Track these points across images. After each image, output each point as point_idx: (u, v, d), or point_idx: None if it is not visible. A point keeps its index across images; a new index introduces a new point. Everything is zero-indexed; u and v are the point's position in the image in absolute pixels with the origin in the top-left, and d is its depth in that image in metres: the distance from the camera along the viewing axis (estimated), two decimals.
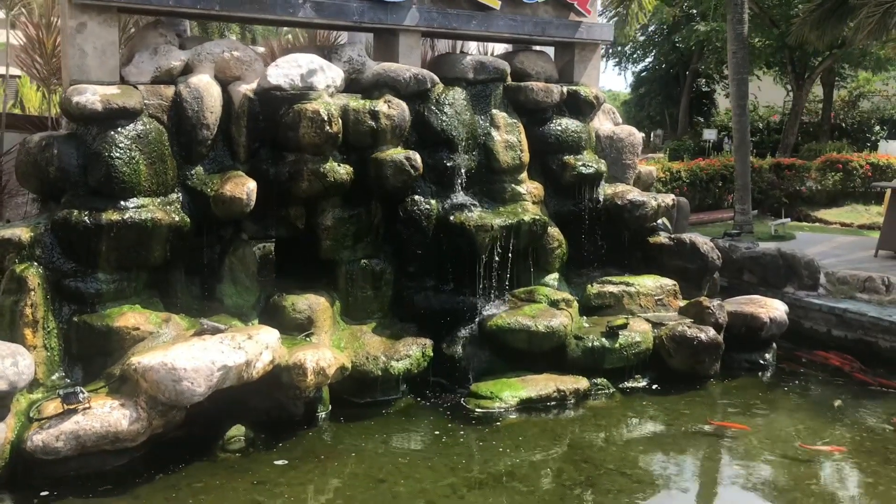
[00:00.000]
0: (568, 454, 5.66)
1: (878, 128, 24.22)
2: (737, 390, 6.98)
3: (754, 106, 25.38)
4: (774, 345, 7.65)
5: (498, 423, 6.08)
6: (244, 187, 5.96)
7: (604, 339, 6.75)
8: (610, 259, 7.91)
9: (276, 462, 5.35)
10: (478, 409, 6.24)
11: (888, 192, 11.15)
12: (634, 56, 30.04)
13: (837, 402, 6.60)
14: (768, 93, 25.45)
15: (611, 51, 28.95)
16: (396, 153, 6.59)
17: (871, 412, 6.47)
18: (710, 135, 22.82)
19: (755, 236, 12.23)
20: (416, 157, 6.62)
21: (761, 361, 7.41)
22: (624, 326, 6.82)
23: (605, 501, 4.97)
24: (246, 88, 6.30)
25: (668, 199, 7.76)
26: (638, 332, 6.92)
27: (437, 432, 5.95)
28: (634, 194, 7.59)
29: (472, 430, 5.96)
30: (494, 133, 7.26)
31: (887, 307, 7.97)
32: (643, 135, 38.81)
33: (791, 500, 5.07)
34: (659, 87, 29.94)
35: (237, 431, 5.53)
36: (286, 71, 6.34)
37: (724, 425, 6.13)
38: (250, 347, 5.31)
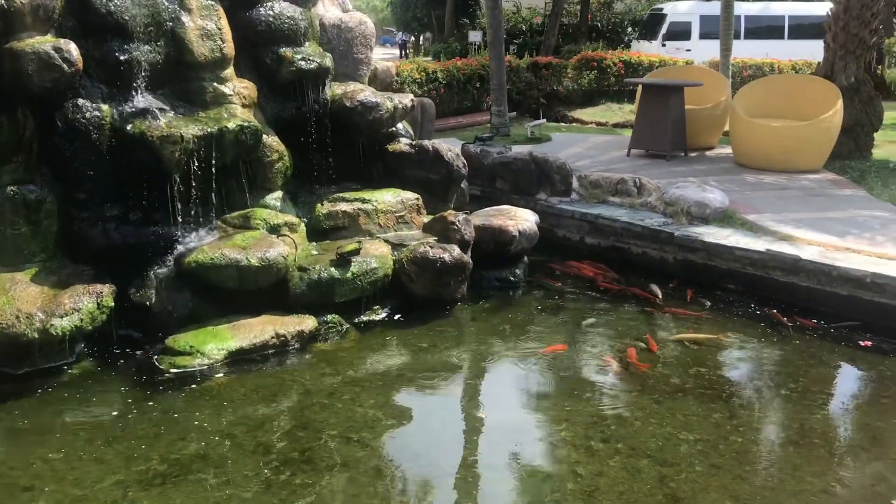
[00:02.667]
0: (283, 420, 4.57)
1: (630, 28, 24.75)
2: (486, 313, 6.23)
3: (518, 8, 25.05)
4: (526, 258, 6.96)
5: (196, 386, 4.86)
6: None
7: (333, 269, 5.67)
8: (347, 172, 6.78)
9: None
10: (172, 370, 4.98)
11: (639, 88, 10.85)
12: None
13: (589, 321, 6.05)
14: None
15: None
16: (41, 42, 4.94)
17: (617, 326, 5.95)
18: (475, 36, 22.15)
19: (512, 139, 11.66)
20: (72, 48, 5.03)
21: (512, 279, 6.69)
22: (356, 252, 5.76)
23: (321, 483, 3.95)
24: None
25: (408, 99, 6.69)
26: (374, 256, 5.90)
27: (115, 407, 4.65)
28: (366, 94, 6.44)
29: (162, 399, 4.70)
30: (185, 17, 5.74)
31: (639, 210, 7.54)
32: (413, 37, 37.80)
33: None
34: None
35: None
36: None
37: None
38: None
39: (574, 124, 15.19)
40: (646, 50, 21.34)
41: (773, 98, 9.99)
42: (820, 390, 4.97)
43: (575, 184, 8.09)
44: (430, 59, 21.69)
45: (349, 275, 5.67)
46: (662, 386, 4.96)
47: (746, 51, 19.07)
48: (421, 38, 40.07)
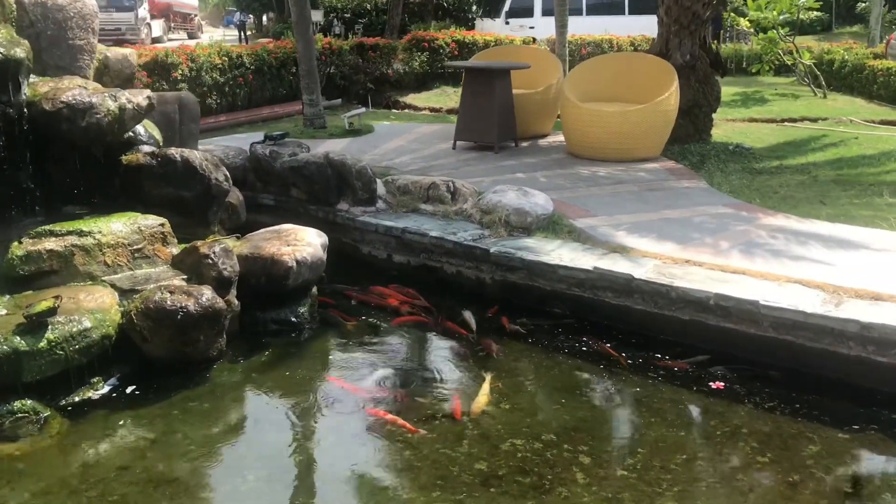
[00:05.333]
0: None
1: (475, 6, 23.82)
2: (257, 372, 4.85)
3: None
4: (315, 290, 5.62)
5: None
6: None
7: (18, 339, 4.12)
8: (71, 194, 5.22)
9: None
10: None
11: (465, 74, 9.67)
12: None
13: (385, 372, 4.80)
14: None
15: None
16: None
17: (423, 375, 4.73)
18: (316, 16, 20.49)
19: (328, 132, 10.29)
20: None
21: (294, 319, 5.32)
22: (52, 311, 4.22)
23: None
24: None
25: (141, 97, 5.16)
26: (88, 312, 4.40)
27: None
28: (75, 93, 4.86)
29: None
30: None
31: (453, 220, 6.33)
32: (252, 17, 35.39)
33: None
34: None
35: None
36: None
37: None
38: None
39: (406, 111, 13.98)
40: (489, 28, 20.41)
41: (606, 80, 9.08)
42: (663, 469, 3.88)
43: (381, 190, 6.81)
44: (269, 39, 19.91)
45: (43, 344, 4.14)
46: (466, 476, 3.75)
47: (588, 27, 18.43)
48: (264, 18, 37.80)
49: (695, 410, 4.37)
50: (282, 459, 3.96)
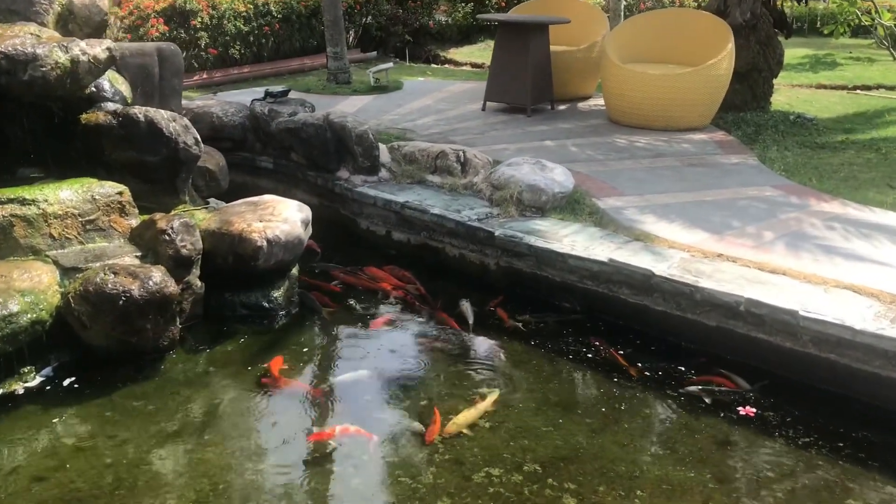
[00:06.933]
0: None
1: None
2: (217, 365, 4.30)
3: None
4: (296, 271, 5.01)
5: None
6: None
7: None
8: (27, 156, 4.68)
9: None
10: None
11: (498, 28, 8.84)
12: None
13: (362, 373, 4.19)
14: None
15: None
16: None
17: (404, 387, 4.11)
18: None
19: (352, 88, 9.60)
20: None
21: (266, 304, 4.73)
22: None
23: None
24: None
25: (100, 48, 4.52)
26: (18, 293, 3.87)
27: None
28: (15, 43, 4.24)
29: None
30: None
31: (460, 195, 5.64)
32: None
33: None
34: None
35: None
36: None
37: None
38: None
39: (446, 66, 13.17)
40: None
41: (654, 38, 8.17)
42: None
43: (386, 157, 6.13)
44: None
45: None
46: None
47: None
48: None
49: (713, 443, 3.64)
50: (225, 476, 3.38)
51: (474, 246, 5.20)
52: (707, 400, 3.88)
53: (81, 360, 4.12)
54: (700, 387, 3.96)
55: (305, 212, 4.97)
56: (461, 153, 5.81)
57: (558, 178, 5.37)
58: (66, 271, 4.16)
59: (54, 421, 3.75)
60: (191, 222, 4.44)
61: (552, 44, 8.47)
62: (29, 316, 3.85)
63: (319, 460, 3.50)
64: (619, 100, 7.87)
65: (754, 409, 3.82)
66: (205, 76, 10.23)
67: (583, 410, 3.89)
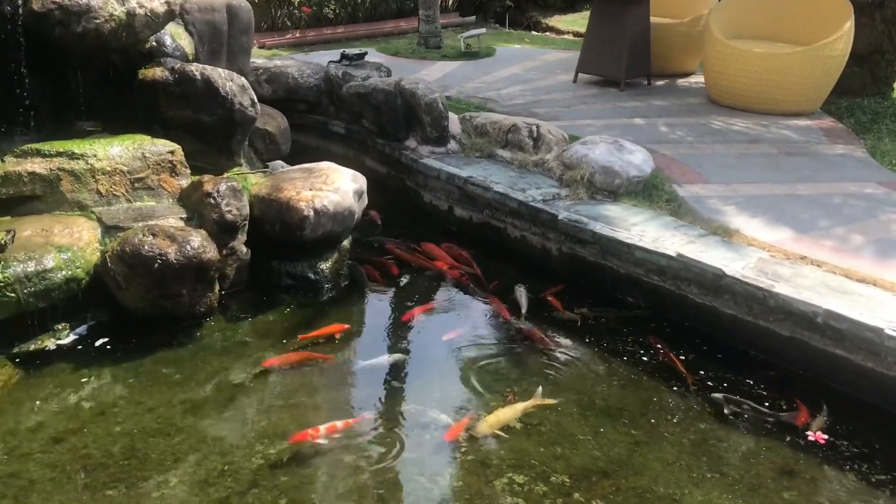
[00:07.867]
0: None
1: None
2: (256, 335, 4.17)
3: None
4: (347, 244, 4.81)
5: None
6: None
7: None
8: (86, 109, 4.65)
9: None
10: None
11: None
12: None
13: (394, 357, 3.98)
14: None
15: None
16: None
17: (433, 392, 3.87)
18: None
19: (442, 53, 9.32)
20: None
21: (312, 276, 4.56)
22: (2, 246, 3.67)
23: None
24: None
25: (158, 1, 4.41)
26: (56, 249, 3.82)
27: None
28: None
29: None
30: None
31: (529, 173, 5.31)
32: None
33: None
34: None
35: None
36: None
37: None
38: None
39: (546, 34, 12.70)
40: None
41: (764, 13, 7.54)
42: None
43: (456, 128, 5.85)
44: None
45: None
46: None
47: None
48: None
49: (771, 470, 3.25)
50: (236, 457, 3.24)
51: (536, 228, 4.87)
52: (726, 411, 3.49)
53: (117, 321, 4.06)
54: (723, 394, 3.58)
55: (360, 182, 4.76)
56: (534, 128, 5.46)
57: (636, 160, 4.96)
58: (109, 229, 4.09)
59: (83, 381, 3.70)
60: (238, 186, 4.30)
61: (653, 15, 7.95)
62: (63, 273, 3.79)
63: (334, 452, 3.30)
64: (719, 78, 7.30)
65: (825, 436, 3.39)
66: (297, 35, 10.15)
67: (629, 419, 3.54)
